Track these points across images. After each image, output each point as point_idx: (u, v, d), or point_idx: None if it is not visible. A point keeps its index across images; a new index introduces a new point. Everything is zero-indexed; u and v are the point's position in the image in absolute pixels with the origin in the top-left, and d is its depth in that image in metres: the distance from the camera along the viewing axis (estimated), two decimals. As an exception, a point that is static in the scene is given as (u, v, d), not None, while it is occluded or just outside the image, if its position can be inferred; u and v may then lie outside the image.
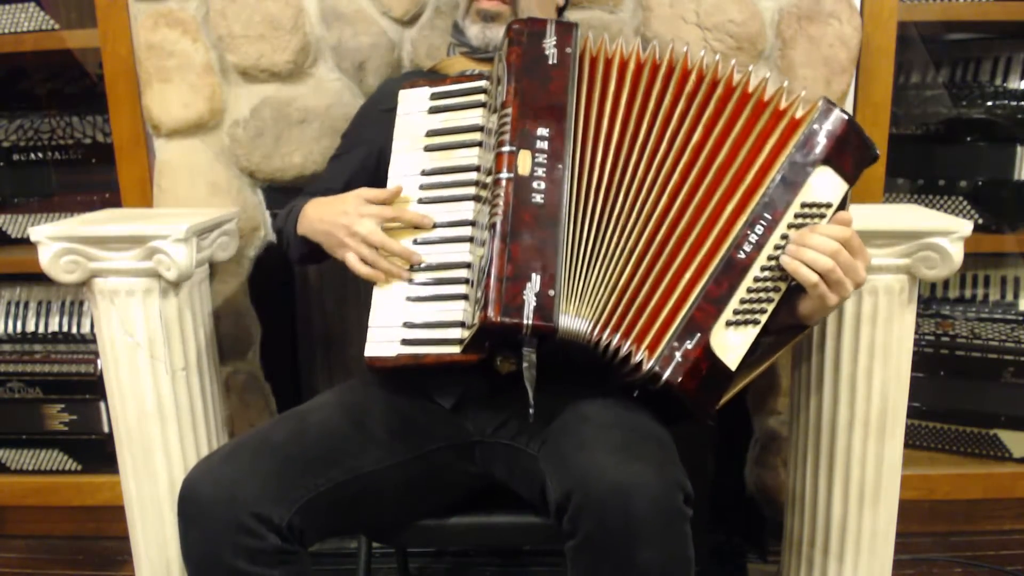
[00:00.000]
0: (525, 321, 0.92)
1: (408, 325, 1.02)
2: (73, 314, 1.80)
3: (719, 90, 1.03)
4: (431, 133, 1.09)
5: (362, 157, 1.26)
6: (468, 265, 1.02)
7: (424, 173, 1.08)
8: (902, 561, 1.56)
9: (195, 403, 1.40)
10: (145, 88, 1.55)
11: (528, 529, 1.11)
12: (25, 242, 1.56)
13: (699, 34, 1.48)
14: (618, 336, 0.98)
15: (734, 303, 0.97)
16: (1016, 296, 1.75)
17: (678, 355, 0.95)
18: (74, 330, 1.79)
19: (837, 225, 0.98)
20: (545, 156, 0.99)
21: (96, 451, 1.82)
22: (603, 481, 0.88)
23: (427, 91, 1.12)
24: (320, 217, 1.11)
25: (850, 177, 1.00)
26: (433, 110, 1.10)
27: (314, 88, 1.54)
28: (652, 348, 0.96)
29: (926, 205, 1.74)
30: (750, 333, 0.98)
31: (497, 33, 1.21)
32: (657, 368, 0.95)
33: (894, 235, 1.25)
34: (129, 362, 1.33)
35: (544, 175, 0.98)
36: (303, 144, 1.54)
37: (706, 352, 0.96)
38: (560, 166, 0.98)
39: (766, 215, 0.98)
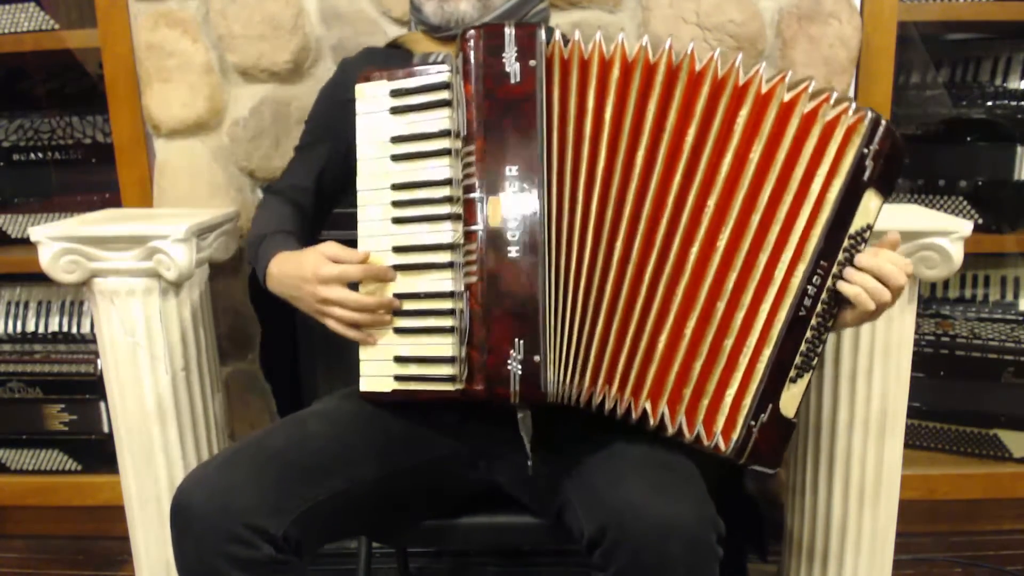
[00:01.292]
0: (512, 389, 0.88)
1: (399, 360, 0.99)
2: (73, 314, 1.80)
3: (748, 103, 0.90)
4: (397, 139, 0.98)
5: (329, 151, 1.22)
6: (452, 294, 0.95)
7: (395, 187, 0.98)
8: (902, 561, 1.56)
9: (195, 403, 1.40)
10: (145, 88, 1.55)
11: (529, 529, 1.10)
12: (25, 242, 1.56)
13: (699, 34, 1.48)
14: (680, 415, 0.92)
15: (796, 360, 0.93)
16: (1016, 296, 1.75)
17: (755, 433, 0.92)
18: (74, 330, 1.79)
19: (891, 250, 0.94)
20: (517, 199, 0.88)
21: (96, 451, 1.81)
22: (642, 519, 0.86)
23: (386, 86, 0.99)
24: (283, 282, 1.06)
25: (888, 193, 0.93)
26: (396, 110, 0.98)
27: (314, 88, 1.52)
28: (727, 432, 0.92)
29: (926, 205, 1.73)
30: (807, 379, 0.95)
31: (455, 7, 1.12)
32: (735, 452, 0.92)
33: (894, 235, 1.24)
34: (129, 362, 1.33)
35: (518, 224, 0.88)
36: (303, 144, 1.54)
37: (777, 418, 0.93)
38: (535, 211, 0.88)
39: (823, 263, 0.91)
